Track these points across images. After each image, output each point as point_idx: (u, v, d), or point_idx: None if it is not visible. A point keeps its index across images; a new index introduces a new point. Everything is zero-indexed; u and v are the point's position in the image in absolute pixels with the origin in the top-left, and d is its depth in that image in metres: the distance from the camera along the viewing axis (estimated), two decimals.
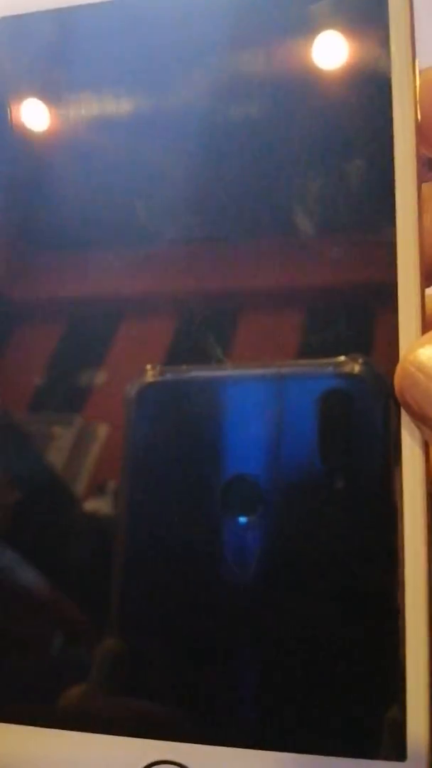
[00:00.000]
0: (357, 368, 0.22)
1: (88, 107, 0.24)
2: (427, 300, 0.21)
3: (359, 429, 0.22)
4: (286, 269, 0.23)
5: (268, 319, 0.23)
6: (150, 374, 0.23)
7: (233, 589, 0.22)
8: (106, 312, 0.24)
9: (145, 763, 0.21)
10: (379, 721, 0.20)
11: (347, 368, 0.22)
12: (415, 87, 0.21)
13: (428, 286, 0.22)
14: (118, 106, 0.24)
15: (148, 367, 0.23)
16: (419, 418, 0.20)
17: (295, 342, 0.23)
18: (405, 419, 0.21)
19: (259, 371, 0.22)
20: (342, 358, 0.22)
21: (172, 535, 0.22)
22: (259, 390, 0.22)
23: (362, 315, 0.22)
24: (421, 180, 0.21)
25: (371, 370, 0.22)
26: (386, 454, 0.21)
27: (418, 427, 0.21)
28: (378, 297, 0.21)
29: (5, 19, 0.25)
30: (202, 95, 0.24)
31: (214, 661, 0.22)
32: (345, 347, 0.22)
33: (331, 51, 0.23)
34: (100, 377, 0.24)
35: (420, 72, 0.21)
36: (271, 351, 0.23)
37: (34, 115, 0.25)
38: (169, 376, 0.23)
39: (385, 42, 0.22)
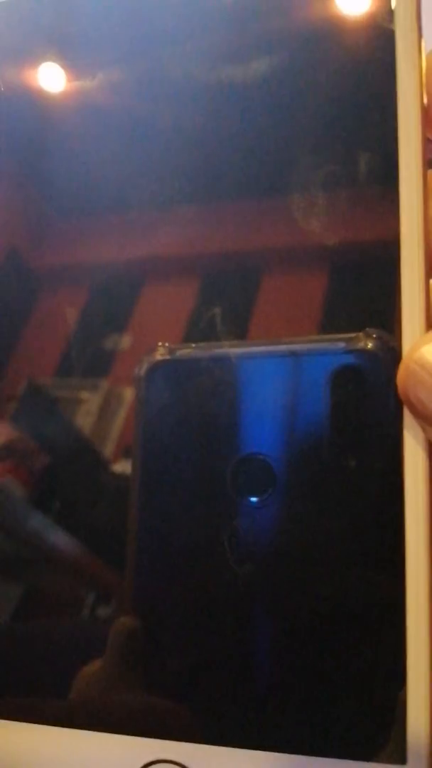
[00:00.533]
0: (370, 344, 0.21)
1: (100, 73, 0.24)
2: None
3: (372, 406, 0.21)
4: (296, 249, 0.22)
5: (283, 297, 0.23)
6: (160, 352, 0.23)
7: (241, 571, 0.22)
8: (129, 278, 0.24)
9: (143, 762, 0.21)
10: (379, 724, 0.20)
11: (360, 344, 0.21)
12: (421, 69, 0.20)
13: None
14: (129, 73, 0.24)
15: (159, 344, 0.23)
16: (423, 418, 0.20)
17: (307, 320, 0.22)
18: (408, 420, 0.20)
19: (270, 348, 0.22)
20: (355, 333, 0.21)
21: (183, 514, 0.22)
22: (270, 367, 0.22)
23: (364, 304, 0.21)
24: (426, 166, 0.20)
25: (385, 346, 0.21)
26: (400, 431, 0.20)
27: (423, 428, 0.20)
28: (381, 288, 0.21)
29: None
30: (215, 62, 0.23)
31: (217, 653, 0.22)
32: (355, 326, 0.21)
33: (335, 32, 0.22)
34: (125, 342, 0.24)
35: (426, 54, 0.20)
36: (285, 328, 0.22)
37: (45, 82, 0.25)
38: (178, 355, 0.23)
39: (390, 23, 0.21)
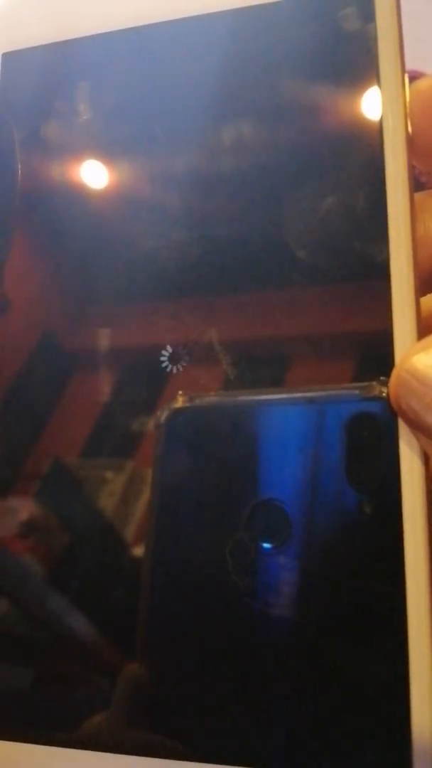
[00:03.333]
0: (384, 392, 0.22)
1: (136, 157, 0.26)
2: (423, 307, 0.21)
3: (386, 452, 0.21)
4: (292, 281, 0.23)
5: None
6: (180, 400, 0.23)
7: (256, 615, 0.21)
8: (159, 361, 0.24)
9: None
10: (384, 743, 0.20)
11: (374, 392, 0.22)
12: (405, 99, 0.21)
13: (425, 294, 0.23)
14: (163, 160, 0.25)
15: (179, 393, 0.24)
16: (415, 426, 0.20)
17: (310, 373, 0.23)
18: (403, 430, 0.21)
19: (287, 396, 0.23)
20: (369, 382, 0.22)
21: (197, 558, 0.22)
22: (287, 415, 0.23)
23: (360, 332, 0.22)
24: (413, 191, 0.21)
25: None
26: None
27: (416, 436, 0.20)
28: (374, 310, 0.22)
29: (15, 53, 0.27)
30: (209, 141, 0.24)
31: (228, 701, 0.21)
32: (367, 370, 0.22)
33: (319, 67, 0.23)
34: (151, 424, 0.24)
35: (410, 84, 0.22)
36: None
37: (80, 169, 0.26)
38: (198, 402, 0.23)
39: (373, 55, 0.22)
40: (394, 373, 0.20)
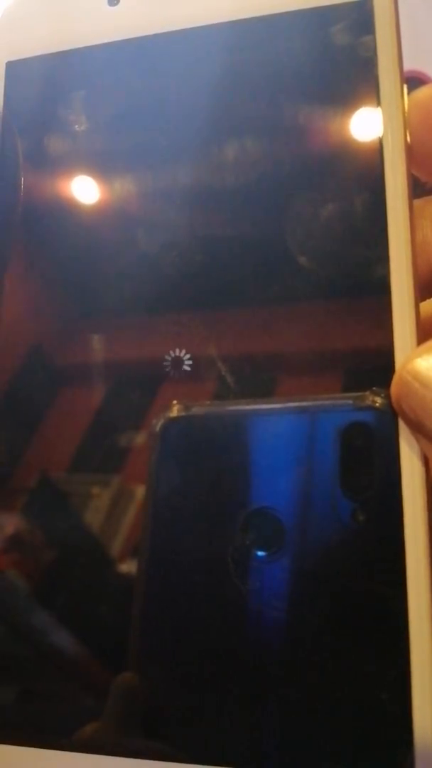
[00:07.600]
0: (378, 401, 0.22)
1: (125, 176, 0.26)
2: (422, 311, 0.22)
3: (379, 461, 0.21)
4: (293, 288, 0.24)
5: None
6: (175, 409, 0.23)
7: (251, 622, 0.21)
8: (146, 376, 0.25)
9: None
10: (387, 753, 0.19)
11: (368, 401, 0.22)
12: (404, 109, 0.22)
13: (424, 299, 0.23)
14: (150, 179, 0.25)
15: (174, 402, 0.24)
16: (415, 428, 0.20)
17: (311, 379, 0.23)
18: (403, 432, 0.21)
19: (281, 405, 0.23)
20: (364, 392, 0.22)
21: (192, 566, 0.22)
22: (282, 424, 0.23)
23: (361, 340, 0.22)
24: (412, 198, 0.22)
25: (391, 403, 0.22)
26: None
27: (416, 438, 0.21)
28: (374, 318, 0.22)
29: (19, 62, 0.27)
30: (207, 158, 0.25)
31: (231, 692, 0.21)
32: (363, 379, 0.22)
33: (318, 78, 0.24)
34: (139, 439, 0.24)
35: (408, 94, 0.22)
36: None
37: (69, 185, 0.26)
38: (193, 411, 0.23)
39: (373, 66, 0.22)
40: (396, 374, 0.21)
